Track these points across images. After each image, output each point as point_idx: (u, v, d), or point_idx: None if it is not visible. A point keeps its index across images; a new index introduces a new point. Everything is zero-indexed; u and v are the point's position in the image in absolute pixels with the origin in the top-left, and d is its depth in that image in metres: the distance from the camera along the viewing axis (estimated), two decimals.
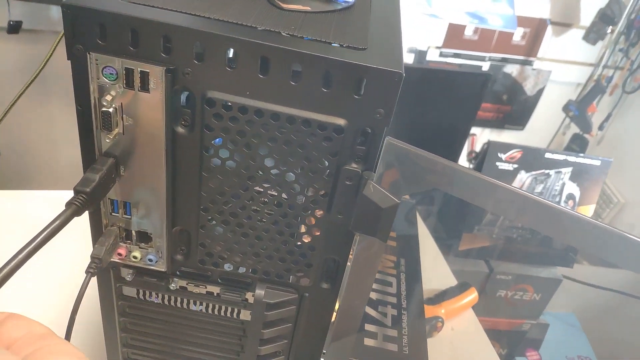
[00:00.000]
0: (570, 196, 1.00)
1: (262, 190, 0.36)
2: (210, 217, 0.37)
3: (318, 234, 0.37)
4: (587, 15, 1.44)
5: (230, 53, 0.30)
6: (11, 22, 1.13)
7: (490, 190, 0.29)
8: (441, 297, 0.78)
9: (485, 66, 1.46)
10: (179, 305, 0.42)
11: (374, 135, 0.31)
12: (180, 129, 0.33)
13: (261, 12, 0.33)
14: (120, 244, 0.39)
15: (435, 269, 0.85)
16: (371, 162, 0.33)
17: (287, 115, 0.31)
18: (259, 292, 0.40)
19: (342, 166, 0.33)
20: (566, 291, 1.06)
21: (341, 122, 0.31)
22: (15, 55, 1.26)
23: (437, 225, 1.03)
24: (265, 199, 0.36)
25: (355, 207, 0.34)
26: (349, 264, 0.38)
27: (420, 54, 1.38)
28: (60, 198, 0.78)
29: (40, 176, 1.41)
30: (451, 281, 0.86)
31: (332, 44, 0.30)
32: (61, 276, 0.64)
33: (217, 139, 0.33)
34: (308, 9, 0.34)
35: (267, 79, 0.30)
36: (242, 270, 0.40)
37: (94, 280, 0.59)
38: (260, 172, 0.34)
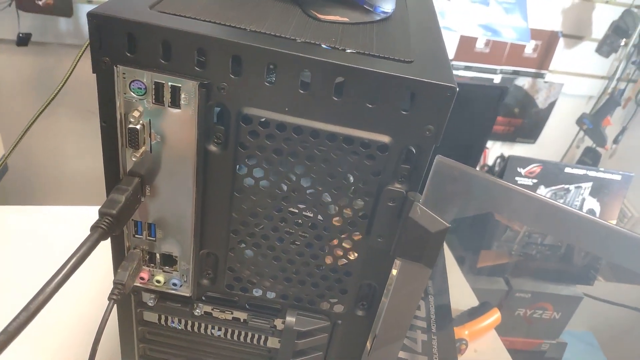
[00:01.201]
0: (591, 212, 0.97)
1: (296, 211, 0.33)
2: (240, 240, 0.35)
3: (354, 258, 0.35)
4: (599, 28, 1.43)
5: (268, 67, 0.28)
6: (20, 35, 1.12)
7: (557, 215, 0.27)
8: (464, 318, 0.75)
9: (497, 79, 1.44)
10: (202, 331, 0.40)
11: (420, 153, 0.29)
12: (212, 147, 0.31)
13: (298, 24, 0.31)
14: (143, 267, 0.37)
15: (456, 288, 0.82)
16: (416, 182, 0.30)
17: (328, 132, 0.29)
18: (290, 319, 0.37)
19: (385, 186, 0.31)
20: (585, 309, 1.03)
21: (386, 139, 0.29)
22: (23, 67, 1.25)
23: (454, 241, 1.00)
24: (300, 221, 0.34)
25: (397, 231, 0.32)
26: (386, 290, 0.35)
27: None
28: (67, 213, 0.76)
29: (46, 191, 1.39)
30: (472, 301, 0.83)
31: (377, 57, 0.28)
32: (78, 300, 0.61)
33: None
34: (346, 19, 0.32)
35: (308, 94, 0.28)
36: (271, 295, 0.37)
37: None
38: (296, 193, 0.32)
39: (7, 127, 1.15)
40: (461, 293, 0.84)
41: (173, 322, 0.40)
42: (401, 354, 0.48)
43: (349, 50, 0.28)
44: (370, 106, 0.28)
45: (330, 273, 0.35)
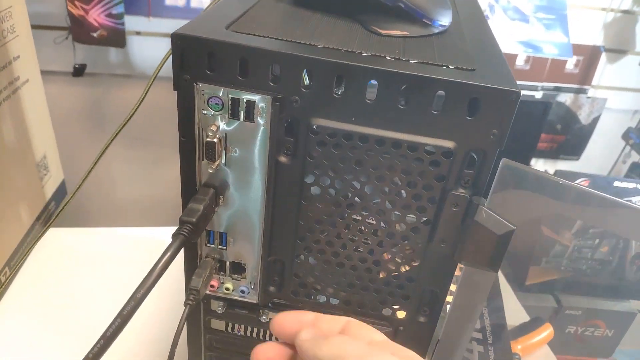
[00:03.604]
0: None
1: (360, 218, 0.35)
2: (306, 247, 0.36)
3: (417, 264, 0.36)
4: None
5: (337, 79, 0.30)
6: (76, 66, 1.19)
7: (630, 217, 0.27)
8: (516, 333, 0.74)
9: (538, 95, 1.43)
10: (267, 339, 0.41)
11: (485, 157, 0.30)
12: (282, 158, 0.33)
13: (362, 39, 0.33)
14: (214, 275, 0.38)
15: (506, 304, 0.81)
16: (480, 187, 0.31)
17: (393, 139, 0.31)
18: None
19: (449, 192, 0.32)
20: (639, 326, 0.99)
21: (450, 144, 0.30)
22: (77, 97, 1.32)
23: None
24: (363, 228, 0.35)
25: (461, 236, 0.33)
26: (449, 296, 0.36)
27: None
28: (122, 235, 0.80)
29: (99, 213, 1.45)
30: (523, 316, 0.82)
31: (441, 66, 0.30)
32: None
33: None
34: (406, 33, 0.34)
35: (373, 104, 0.30)
36: (335, 302, 0.39)
37: (173, 314, 0.58)
38: (360, 200, 0.34)
39: (64, 151, 1.22)
40: (511, 309, 0.83)
41: (239, 330, 0.42)
42: None
43: (412, 61, 0.30)
44: (435, 113, 0.29)
45: (393, 279, 0.36)
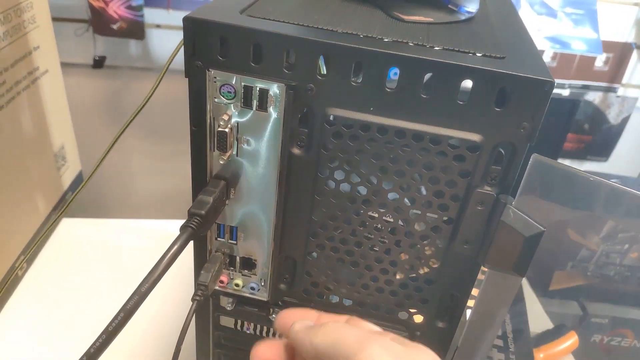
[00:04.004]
0: None
1: (376, 215, 0.33)
2: (318, 244, 0.34)
3: (437, 265, 0.34)
4: None
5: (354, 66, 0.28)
6: (96, 58, 1.19)
7: None
8: (539, 340, 0.71)
9: (565, 93, 1.38)
10: (277, 338, 0.40)
11: (514, 153, 0.28)
12: (295, 150, 0.31)
13: (383, 25, 0.31)
14: (223, 270, 0.37)
15: (529, 310, 0.78)
16: (508, 185, 0.29)
17: (415, 131, 0.29)
18: None
19: (474, 189, 0.30)
20: None
21: (476, 138, 0.28)
22: (97, 89, 1.32)
23: None
24: (379, 225, 0.33)
25: (486, 236, 0.31)
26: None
27: None
28: (138, 227, 0.79)
29: (116, 204, 1.46)
30: (546, 323, 0.79)
31: (468, 53, 0.28)
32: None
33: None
34: (431, 20, 0.32)
35: (394, 93, 0.28)
36: (348, 303, 0.37)
37: (183, 309, 0.57)
38: (376, 196, 0.32)
39: (83, 143, 1.22)
40: (534, 315, 0.80)
41: (248, 328, 0.40)
42: None
43: (437, 48, 0.28)
44: (461, 103, 0.27)
45: (410, 281, 0.34)
